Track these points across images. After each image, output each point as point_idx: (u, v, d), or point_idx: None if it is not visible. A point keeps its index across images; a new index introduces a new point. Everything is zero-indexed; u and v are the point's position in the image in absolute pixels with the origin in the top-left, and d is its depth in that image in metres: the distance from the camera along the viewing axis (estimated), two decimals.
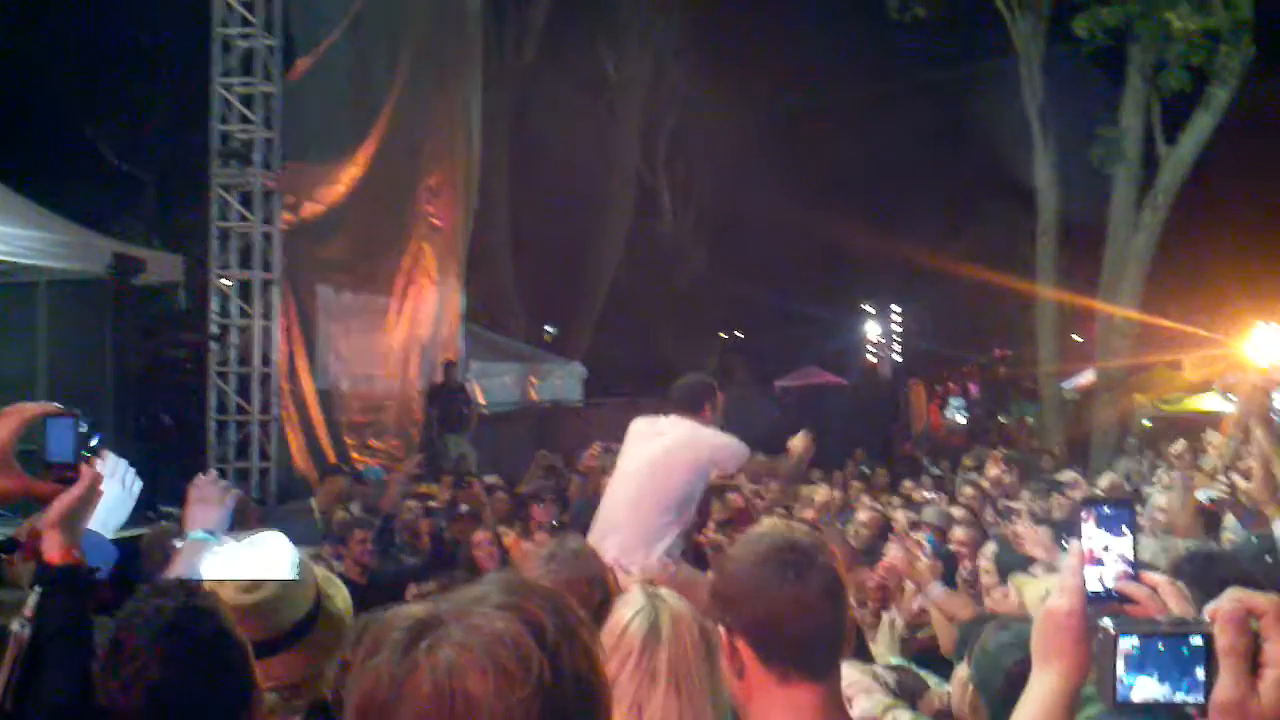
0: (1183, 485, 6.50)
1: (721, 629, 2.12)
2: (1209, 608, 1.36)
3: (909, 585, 4.65)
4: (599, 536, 5.08)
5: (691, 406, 5.44)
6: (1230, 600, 1.34)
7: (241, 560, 2.61)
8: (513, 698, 1.15)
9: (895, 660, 3.70)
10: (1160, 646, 1.37)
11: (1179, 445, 7.10)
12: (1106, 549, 1.62)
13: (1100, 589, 1.61)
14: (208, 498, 3.28)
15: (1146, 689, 1.37)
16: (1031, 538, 5.60)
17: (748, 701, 2.10)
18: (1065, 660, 1.59)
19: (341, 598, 2.88)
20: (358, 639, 1.28)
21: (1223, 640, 1.32)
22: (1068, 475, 9.55)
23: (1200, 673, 1.35)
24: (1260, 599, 1.34)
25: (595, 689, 1.24)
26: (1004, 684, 2.61)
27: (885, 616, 4.05)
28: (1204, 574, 3.24)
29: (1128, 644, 1.38)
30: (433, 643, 1.18)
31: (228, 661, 2.09)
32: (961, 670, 2.91)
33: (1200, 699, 1.35)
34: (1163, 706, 1.36)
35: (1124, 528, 1.64)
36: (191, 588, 2.20)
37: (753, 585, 2.04)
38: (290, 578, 2.61)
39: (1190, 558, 3.76)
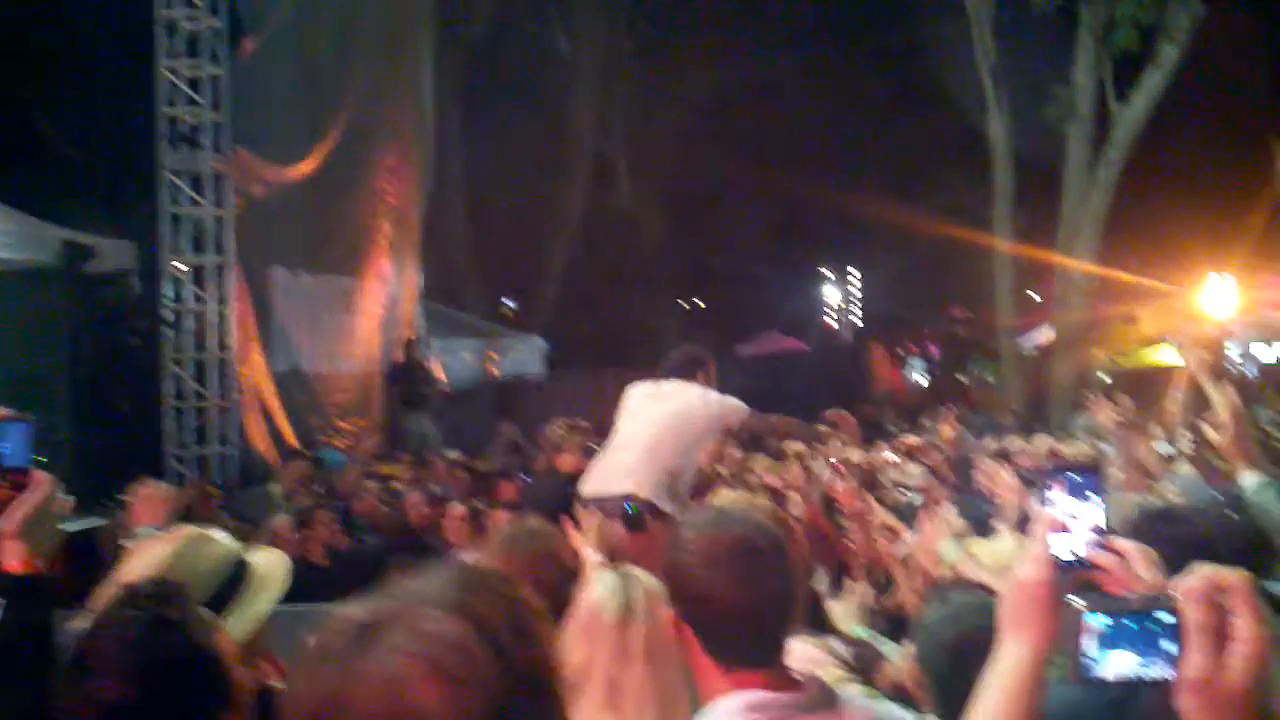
0: (1123, 442, 6.53)
1: (671, 609, 2.10)
2: (1177, 584, 1.35)
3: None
4: (604, 481, 5.19)
5: (688, 373, 5.66)
6: (1198, 576, 1.34)
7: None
8: (461, 705, 1.11)
9: (860, 631, 3.69)
10: (1129, 623, 1.37)
11: (1113, 407, 7.08)
12: (1075, 516, 1.61)
13: (1069, 557, 1.59)
14: (150, 497, 3.26)
15: (1115, 666, 1.37)
16: (1003, 479, 5.63)
17: (695, 676, 2.11)
18: (1035, 631, 1.57)
19: (263, 560, 2.84)
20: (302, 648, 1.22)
21: (1190, 616, 1.32)
22: (1016, 443, 9.53)
23: (1169, 649, 1.35)
24: (1229, 574, 1.34)
25: (549, 688, 1.21)
26: (944, 658, 2.61)
27: (852, 586, 4.04)
28: (1158, 532, 3.25)
29: (1095, 621, 1.37)
30: (374, 649, 1.13)
31: (198, 677, 2.01)
32: (908, 645, 2.91)
33: (1169, 675, 1.34)
34: (1131, 683, 1.35)
35: (1092, 494, 1.63)
36: (164, 596, 2.11)
37: (702, 588, 2.03)
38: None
39: (1144, 516, 3.76)
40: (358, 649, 1.14)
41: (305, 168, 14.29)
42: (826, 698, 2.04)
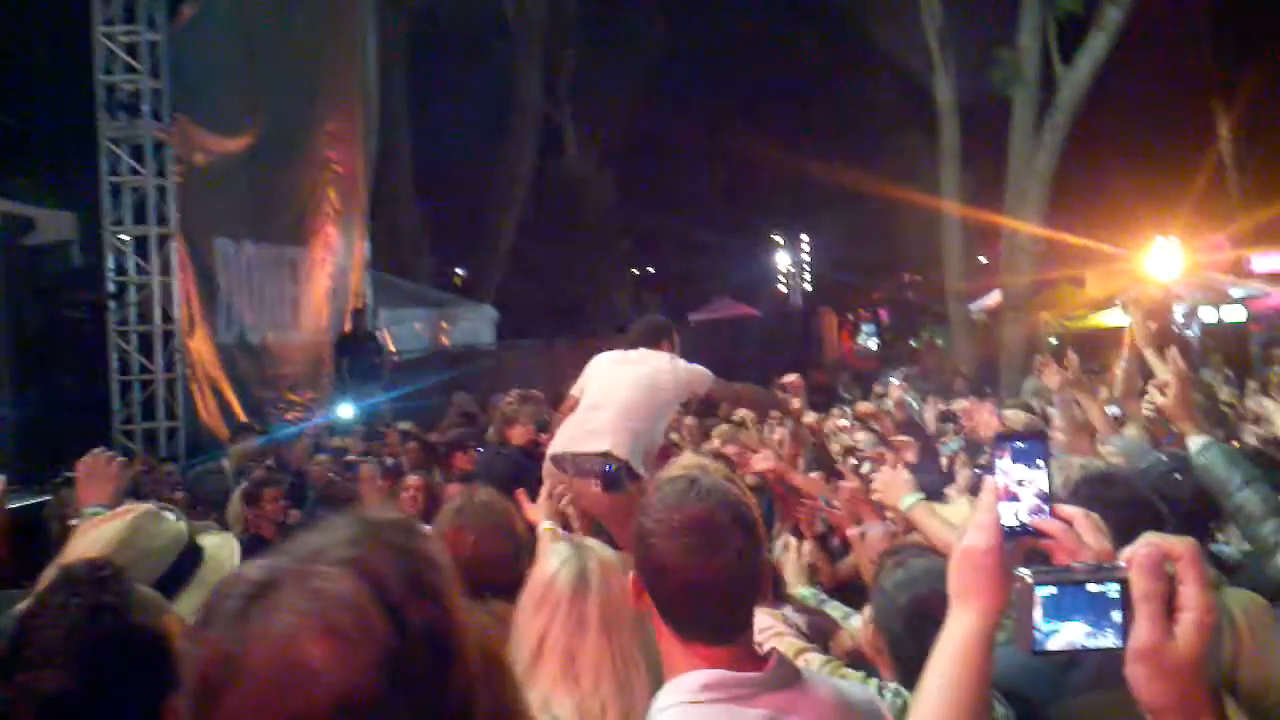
0: (1065, 404, 6.60)
1: (633, 573, 2.10)
2: (1125, 553, 1.35)
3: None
4: (578, 440, 5.23)
5: (654, 342, 5.75)
6: (1145, 545, 1.34)
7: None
8: (355, 664, 1.10)
9: (805, 592, 3.69)
10: (1078, 593, 1.37)
11: (1059, 370, 7.16)
12: (1021, 483, 1.60)
13: (1016, 524, 1.59)
14: (97, 473, 3.20)
15: (1065, 636, 1.37)
16: (984, 417, 5.69)
17: (659, 644, 2.09)
18: (983, 599, 1.56)
19: (213, 542, 2.81)
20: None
21: (1138, 586, 1.32)
22: (960, 404, 9.60)
23: (1118, 618, 1.35)
24: (1176, 543, 1.34)
25: (449, 640, 1.18)
26: (901, 622, 2.62)
27: (792, 543, 4.03)
28: (1100, 495, 3.27)
29: (1045, 593, 1.37)
30: (267, 609, 1.12)
31: (143, 662, 1.94)
32: (866, 610, 2.92)
33: (1118, 644, 1.35)
34: (1081, 653, 1.36)
35: (1038, 461, 1.62)
36: (105, 580, 2.05)
37: (660, 557, 2.00)
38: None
39: (1086, 479, 3.79)
40: (250, 609, 1.13)
41: (247, 135, 14.07)
42: (788, 675, 2.03)
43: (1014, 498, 1.60)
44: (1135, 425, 6.16)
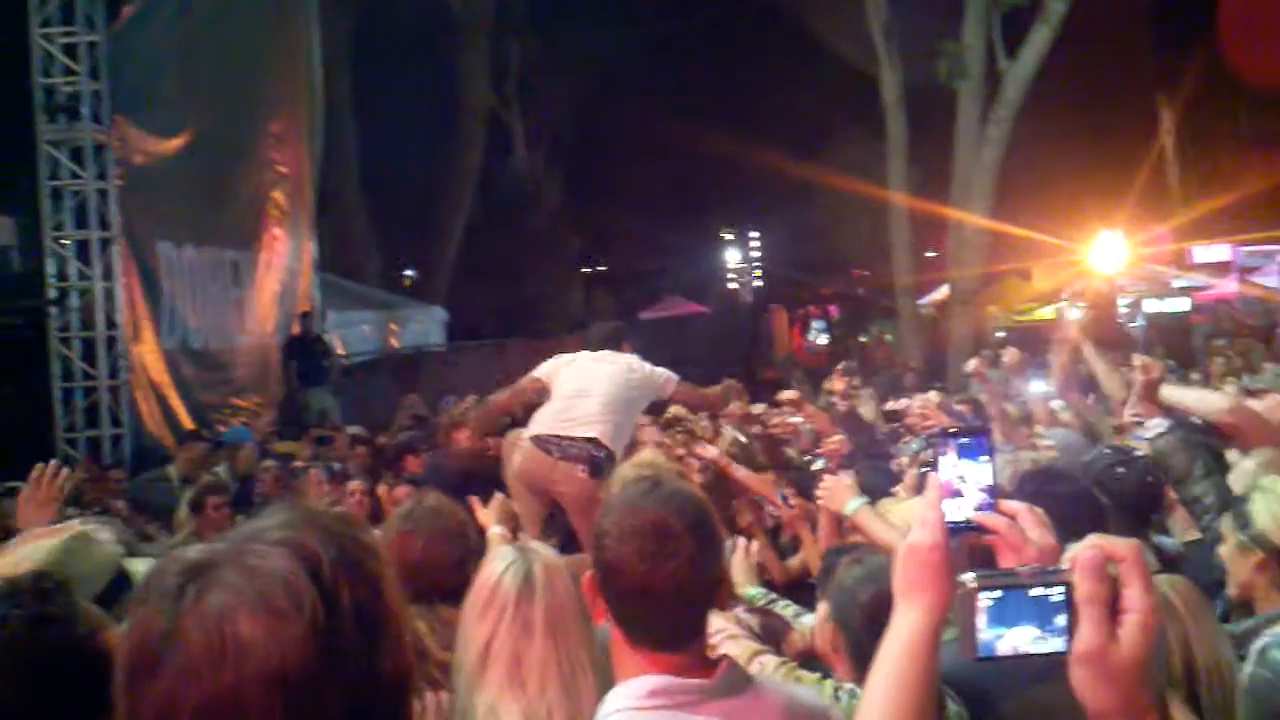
0: (992, 397, 6.69)
1: (590, 572, 2.08)
2: (1067, 556, 1.34)
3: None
4: (563, 425, 5.37)
5: (616, 345, 5.96)
6: (1089, 547, 1.33)
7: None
8: (287, 638, 1.12)
9: (753, 591, 3.69)
10: (1021, 598, 1.35)
11: (972, 362, 7.28)
12: (964, 479, 1.60)
13: (961, 520, 1.58)
14: (38, 498, 3.16)
15: (1010, 641, 1.36)
16: (928, 409, 5.73)
17: (610, 646, 2.09)
18: (929, 595, 1.56)
19: (145, 569, 2.75)
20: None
21: (1081, 589, 1.31)
22: (904, 402, 9.63)
23: (1062, 622, 1.34)
24: (1119, 545, 1.33)
25: (380, 617, 1.21)
26: (860, 619, 2.62)
27: (740, 543, 4.03)
28: (1044, 490, 3.30)
29: (988, 598, 1.36)
30: (202, 587, 1.14)
31: (82, 677, 1.88)
32: (821, 608, 2.91)
33: (1063, 648, 1.33)
34: (1026, 658, 1.35)
35: (982, 456, 1.62)
36: (48, 593, 2.02)
37: (612, 559, 1.99)
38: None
39: (1030, 474, 3.82)
40: (184, 588, 1.15)
41: (188, 136, 13.90)
42: (738, 681, 2.02)
43: (958, 494, 1.59)
44: (1070, 416, 6.24)
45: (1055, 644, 1.34)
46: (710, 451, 5.17)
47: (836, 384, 10.28)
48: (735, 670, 2.05)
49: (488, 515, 3.87)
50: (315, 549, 1.18)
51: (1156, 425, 3.81)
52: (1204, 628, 2.08)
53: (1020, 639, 1.35)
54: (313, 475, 8.27)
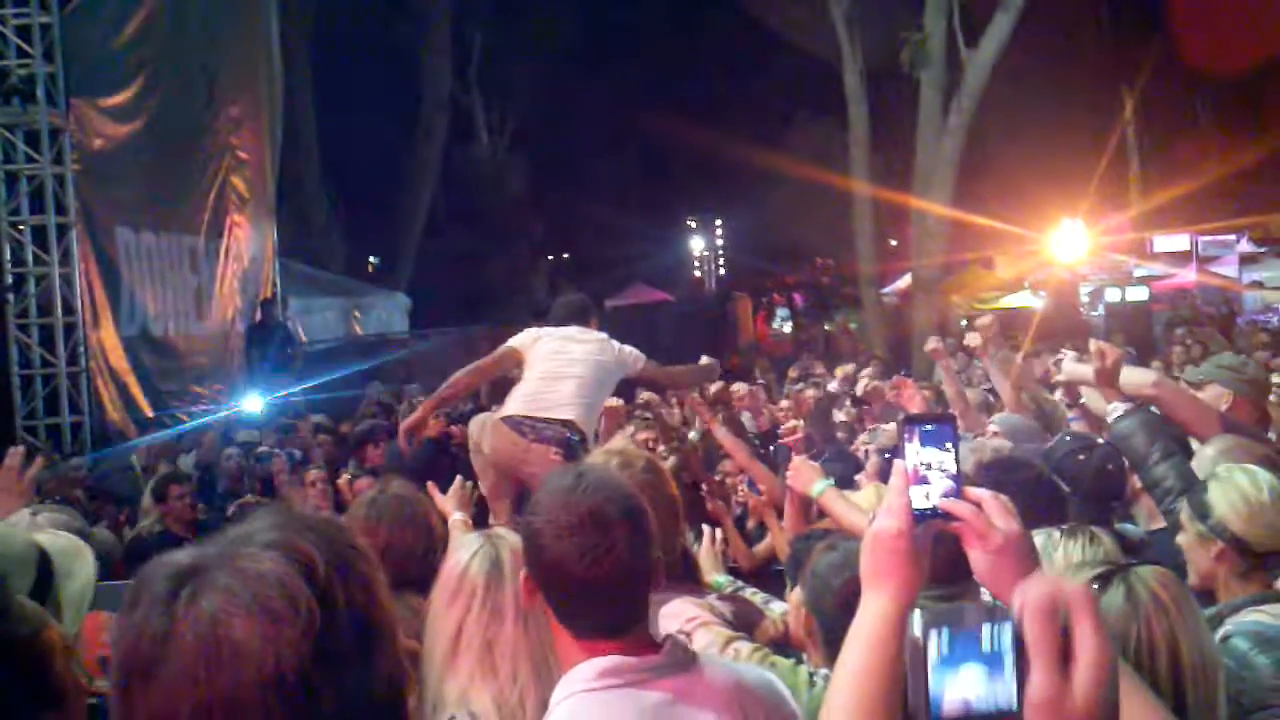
0: (949, 379, 6.76)
1: (523, 571, 2.08)
2: (1015, 600, 1.29)
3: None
4: (537, 408, 5.29)
5: (585, 319, 5.83)
6: (1036, 591, 1.25)
7: None
8: (282, 641, 1.12)
9: (720, 579, 3.70)
10: (969, 641, 1.27)
11: (931, 340, 7.37)
12: (930, 466, 1.61)
13: (926, 507, 1.59)
14: (6, 486, 3.13)
15: (958, 690, 1.26)
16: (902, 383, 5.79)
17: (554, 640, 2.10)
18: (894, 581, 1.57)
19: (83, 576, 2.71)
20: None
21: (1030, 633, 1.24)
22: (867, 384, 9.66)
23: (1011, 666, 1.25)
24: (1068, 588, 1.26)
25: (373, 622, 1.21)
26: (834, 604, 2.61)
27: (706, 530, 4.04)
28: (1005, 478, 3.31)
29: (936, 645, 1.26)
30: (195, 591, 1.14)
31: (18, 674, 1.90)
32: (795, 594, 2.92)
33: (1012, 705, 1.25)
34: (981, 715, 1.25)
35: (947, 444, 1.62)
36: None
37: (551, 557, 1.98)
38: None
39: (994, 463, 3.84)
40: (177, 592, 1.14)
41: (144, 119, 13.75)
42: (684, 659, 2.03)
43: (924, 480, 1.60)
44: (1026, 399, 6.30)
45: (1006, 691, 1.25)
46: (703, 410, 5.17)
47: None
48: (679, 647, 2.06)
49: (448, 502, 3.86)
50: (309, 551, 1.18)
51: (1115, 409, 3.83)
52: (1190, 622, 2.08)
53: (968, 682, 1.26)
54: (277, 463, 8.24)
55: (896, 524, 1.57)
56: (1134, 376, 4.14)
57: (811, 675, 2.61)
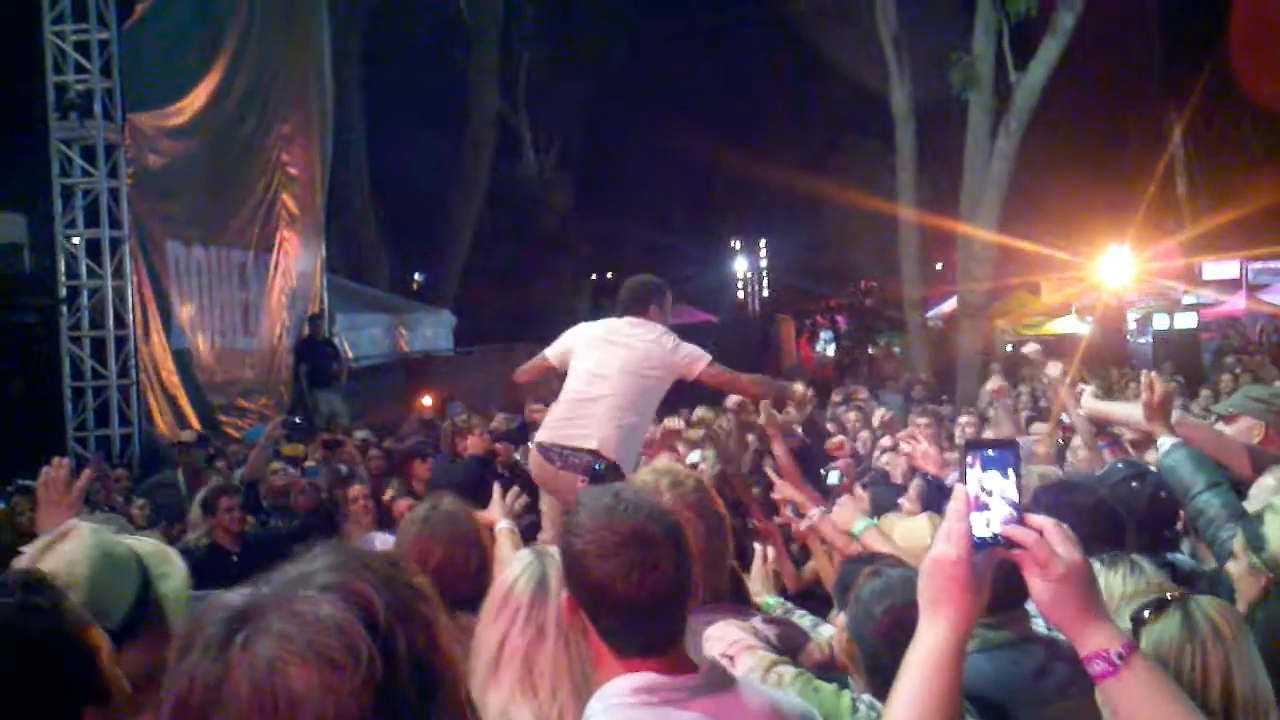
0: (1005, 411, 6.71)
1: (565, 593, 2.09)
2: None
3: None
4: (566, 434, 5.19)
5: (640, 306, 5.51)
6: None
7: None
8: (342, 691, 1.07)
9: (770, 600, 3.69)
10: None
11: (993, 381, 7.30)
12: (991, 493, 1.60)
13: (987, 534, 1.58)
14: (56, 498, 3.17)
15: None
16: (925, 451, 5.71)
17: (593, 658, 2.10)
18: (952, 608, 1.57)
19: (178, 576, 2.76)
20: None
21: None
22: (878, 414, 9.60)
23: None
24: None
25: (436, 669, 1.16)
26: (875, 632, 2.62)
27: (758, 549, 4.03)
28: (1061, 503, 3.27)
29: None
30: (250, 636, 1.09)
31: (65, 665, 1.93)
32: (840, 618, 2.92)
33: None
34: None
35: (1009, 470, 1.61)
36: (33, 582, 2.03)
37: (594, 578, 1.99)
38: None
39: (1047, 487, 3.79)
40: (231, 637, 1.10)
41: (199, 136, 13.93)
42: (721, 681, 2.03)
43: (984, 507, 1.59)
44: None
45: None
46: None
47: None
48: (717, 669, 2.07)
49: (493, 510, 3.85)
50: (368, 595, 1.13)
51: (1164, 443, 3.80)
52: (1245, 656, 2.06)
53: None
54: (354, 492, 8.03)
55: (956, 551, 1.57)
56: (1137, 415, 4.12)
57: (854, 701, 2.60)
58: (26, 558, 2.57)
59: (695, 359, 5.41)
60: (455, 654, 1.22)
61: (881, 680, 2.55)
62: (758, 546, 4.00)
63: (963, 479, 1.61)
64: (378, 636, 1.10)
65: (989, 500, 1.59)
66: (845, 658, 2.79)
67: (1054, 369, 5.94)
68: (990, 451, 1.63)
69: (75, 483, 3.52)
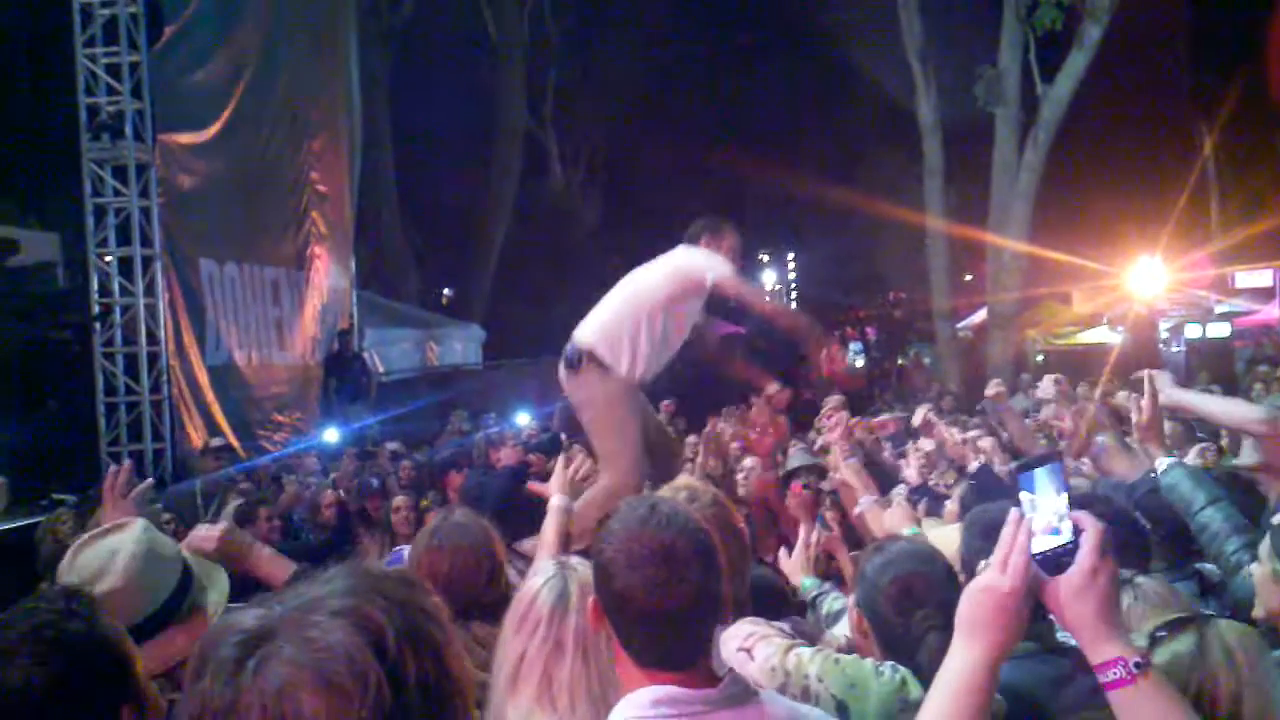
0: (1014, 418, 6.69)
1: (592, 598, 2.09)
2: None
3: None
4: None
5: (694, 239, 5.57)
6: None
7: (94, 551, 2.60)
8: (350, 717, 1.09)
9: (808, 581, 3.70)
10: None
11: (992, 385, 7.26)
12: (1052, 513, 1.61)
13: (1036, 553, 1.59)
14: (118, 499, 3.26)
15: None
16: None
17: (617, 667, 2.09)
18: (995, 636, 1.57)
19: (220, 590, 2.82)
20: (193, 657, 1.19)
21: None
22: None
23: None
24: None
25: (445, 694, 1.18)
26: (886, 603, 2.65)
27: (802, 531, 4.06)
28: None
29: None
30: (261, 661, 1.11)
31: (100, 668, 2.01)
32: (850, 597, 2.96)
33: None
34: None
35: (1058, 487, 1.62)
36: (71, 593, 2.12)
37: (619, 587, 1.99)
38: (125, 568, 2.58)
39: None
40: (243, 661, 1.12)
41: (230, 155, 14.05)
42: (742, 693, 2.02)
43: (1054, 530, 1.61)
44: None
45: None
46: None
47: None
48: (738, 682, 2.05)
49: (553, 483, 3.78)
50: (379, 620, 1.15)
51: (1161, 462, 3.80)
52: (1261, 682, 2.05)
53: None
54: (397, 503, 8.08)
55: (1012, 582, 1.56)
56: (1238, 412, 4.13)
57: (877, 667, 2.60)
58: (78, 543, 2.66)
59: (713, 266, 5.29)
60: (464, 676, 1.23)
61: (893, 650, 2.62)
62: (801, 530, 4.01)
63: (1018, 506, 1.61)
64: (387, 663, 1.12)
65: (1050, 520, 1.61)
66: (858, 635, 2.80)
67: (1046, 387, 5.91)
68: (1039, 468, 1.63)
69: (138, 485, 3.64)
